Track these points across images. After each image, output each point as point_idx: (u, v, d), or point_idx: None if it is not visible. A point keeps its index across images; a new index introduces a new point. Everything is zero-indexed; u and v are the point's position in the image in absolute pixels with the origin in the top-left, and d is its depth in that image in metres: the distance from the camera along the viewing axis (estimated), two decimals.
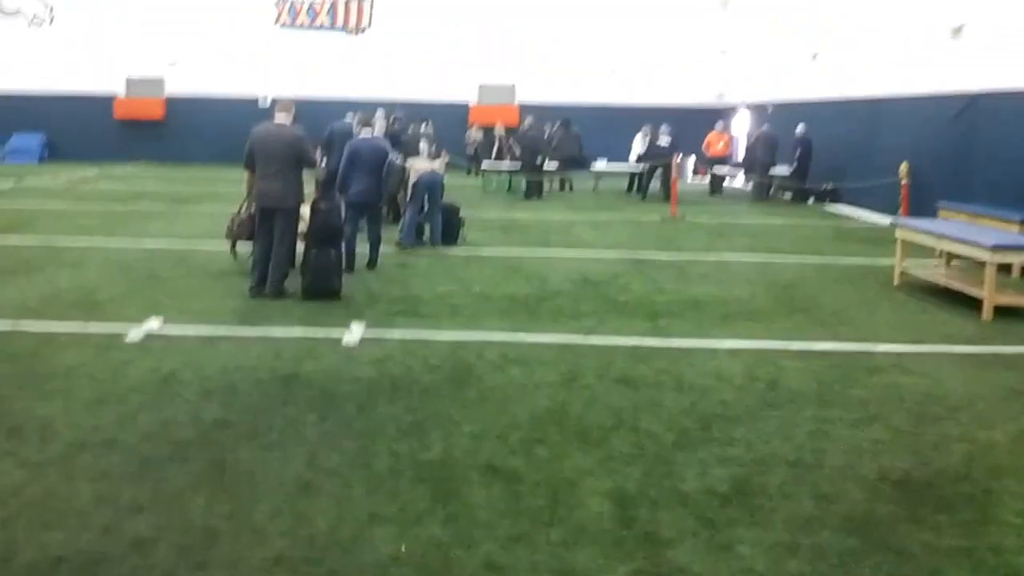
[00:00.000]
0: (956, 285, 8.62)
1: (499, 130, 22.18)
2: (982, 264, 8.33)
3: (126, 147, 26.02)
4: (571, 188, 20.57)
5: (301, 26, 26.15)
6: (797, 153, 18.13)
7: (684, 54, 25.56)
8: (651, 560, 3.58)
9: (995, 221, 10.87)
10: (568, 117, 21.09)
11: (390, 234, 11.38)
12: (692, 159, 22.91)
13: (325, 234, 8.00)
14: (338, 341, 6.65)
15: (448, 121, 23.07)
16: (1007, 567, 3.62)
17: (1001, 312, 7.96)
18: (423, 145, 13.84)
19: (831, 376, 6.12)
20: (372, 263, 9.53)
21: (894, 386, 5.94)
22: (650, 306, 8.12)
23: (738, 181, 21.83)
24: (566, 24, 25.38)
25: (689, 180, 22.98)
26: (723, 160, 20.85)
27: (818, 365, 6.37)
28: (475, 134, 23.06)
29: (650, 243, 12.22)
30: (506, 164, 20.02)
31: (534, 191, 18.07)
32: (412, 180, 10.73)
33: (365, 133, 9.58)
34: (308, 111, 16.89)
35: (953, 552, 3.73)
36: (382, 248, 9.84)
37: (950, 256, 9.60)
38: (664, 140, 18.62)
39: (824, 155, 18.01)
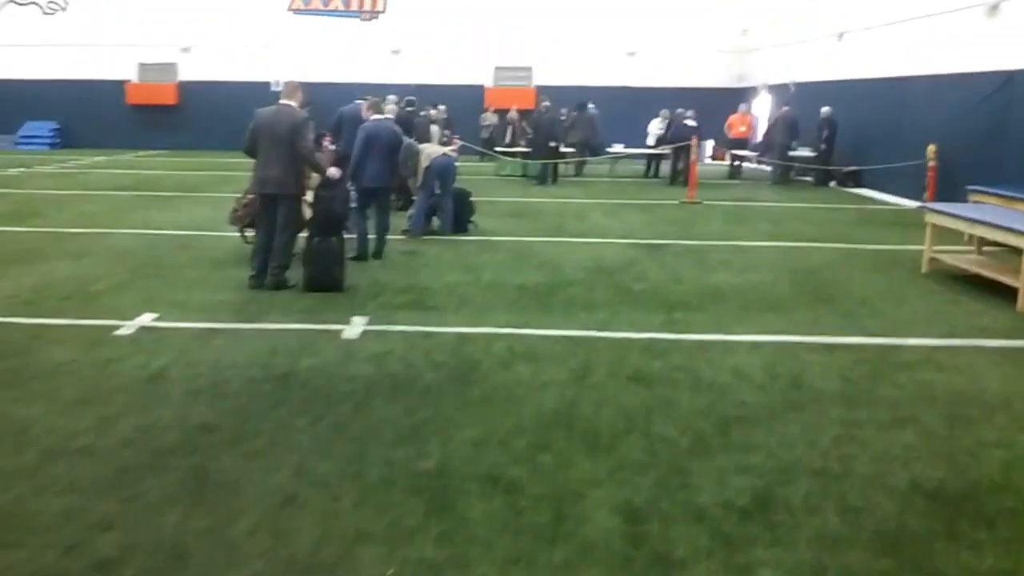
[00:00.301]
0: (989, 273, 8.20)
1: (513, 114, 21.75)
2: (1017, 251, 7.90)
3: (138, 133, 25.82)
4: (579, 172, 20.15)
5: (314, 11, 25.80)
6: (824, 135, 17.61)
7: (704, 34, 24.98)
8: None
9: None
10: (585, 99, 20.65)
11: (399, 221, 11.08)
12: (711, 142, 22.43)
13: (328, 223, 7.70)
14: (338, 335, 6.36)
15: (463, 104, 22.66)
16: None
17: None
18: (435, 129, 13.54)
19: (857, 373, 5.75)
20: (379, 252, 9.22)
21: (925, 384, 5.56)
22: (666, 296, 7.76)
23: (757, 163, 21.32)
24: (584, 4, 24.85)
25: (707, 162, 22.51)
26: (745, 142, 20.35)
27: (843, 360, 6.01)
28: (490, 117, 22.64)
29: (667, 229, 11.84)
30: (520, 148, 19.64)
31: (549, 175, 17.68)
32: (424, 165, 10.38)
33: (375, 117, 9.24)
34: (321, 96, 16.65)
35: (996, 574, 3.39)
36: (390, 236, 9.53)
37: (981, 242, 9.16)
38: (690, 121, 18.15)
39: (847, 136, 17.51)
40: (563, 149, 18.17)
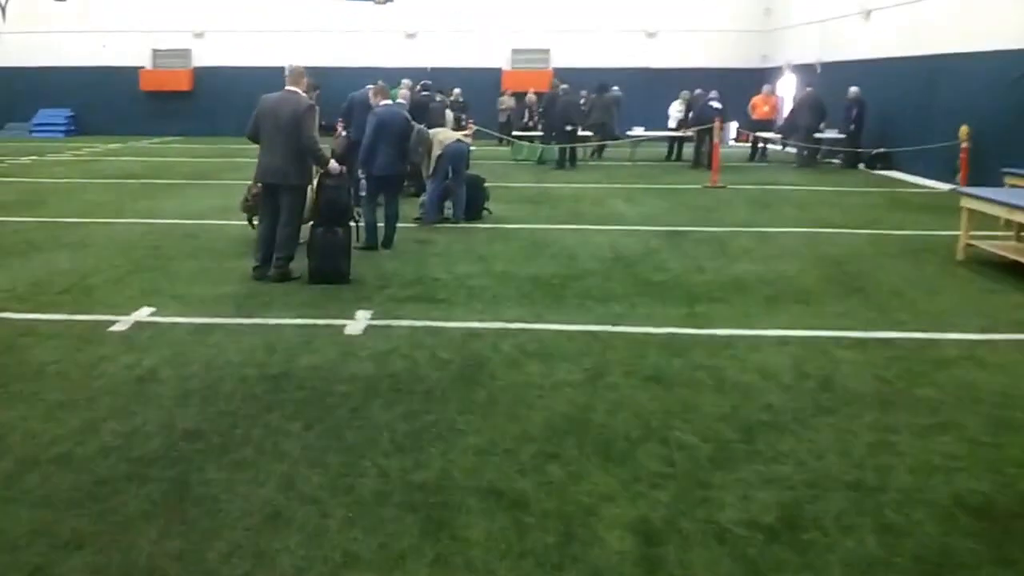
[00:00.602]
0: None
1: (530, 96, 21.32)
2: None
3: (152, 120, 25.65)
4: (599, 156, 19.75)
5: None
6: (853, 115, 17.05)
7: (725, 14, 24.37)
8: None
9: None
10: (605, 82, 20.18)
11: (411, 209, 10.76)
12: (734, 124, 21.90)
13: (332, 213, 7.38)
14: (341, 331, 6.05)
15: (480, 88, 22.28)
16: None
17: None
18: (449, 114, 13.19)
19: (893, 371, 5.36)
20: (388, 241, 8.90)
21: (966, 384, 5.17)
22: (687, 287, 7.39)
23: (782, 146, 20.77)
24: None
25: (730, 144, 22.00)
26: (769, 124, 19.81)
27: (877, 357, 5.62)
28: (507, 101, 22.22)
29: (689, 215, 11.43)
30: (537, 132, 19.22)
31: (566, 160, 17.27)
32: (436, 151, 10.03)
33: (385, 103, 8.90)
34: (336, 81, 16.33)
35: None
36: (401, 224, 9.20)
37: (1021, 228, 8.69)
38: (715, 103, 17.65)
39: (875, 118, 16.95)
40: (581, 133, 17.71)
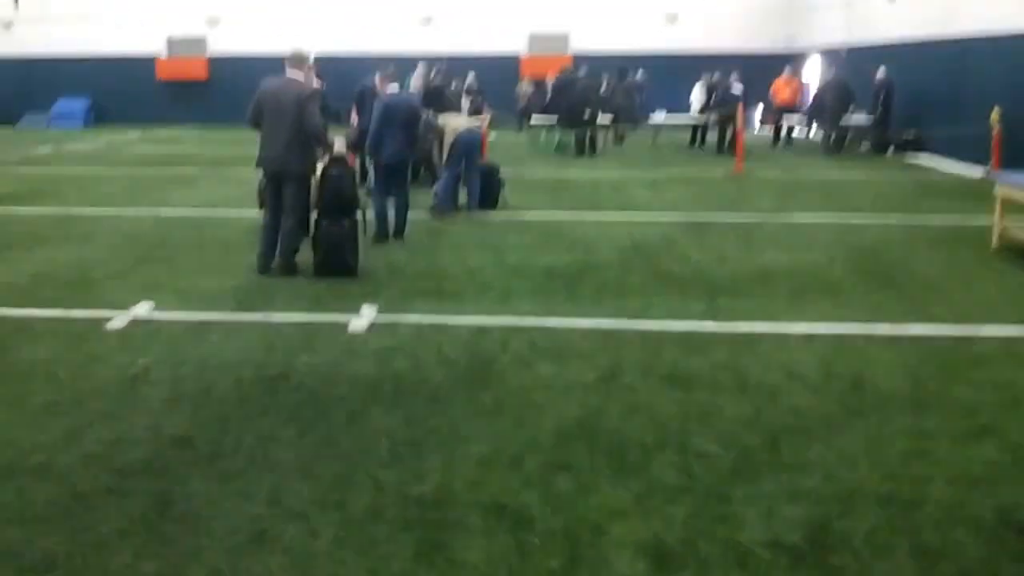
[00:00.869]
0: None
1: (550, 80, 20.91)
2: None
3: (169, 109, 25.54)
4: (621, 142, 19.38)
5: None
6: (881, 99, 16.54)
7: None
8: None
9: None
10: (625, 66, 19.77)
11: (425, 198, 10.49)
12: (759, 109, 21.41)
13: (337, 203, 7.12)
14: (344, 327, 5.79)
15: (497, 74, 21.93)
16: None
17: None
18: (464, 101, 12.88)
19: (927, 370, 5.03)
20: (399, 232, 8.63)
21: (1006, 384, 4.83)
22: (709, 279, 7.06)
23: (807, 131, 20.29)
24: None
25: (756, 131, 21.54)
26: (791, 109, 19.31)
27: (910, 355, 5.28)
28: (526, 87, 21.83)
29: (712, 203, 11.07)
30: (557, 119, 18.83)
31: (586, 147, 16.90)
32: (449, 139, 9.74)
33: (392, 89, 8.61)
34: (352, 68, 16.05)
35: None
36: (411, 215, 8.94)
37: None
38: (737, 88, 17.21)
39: (905, 101, 16.43)
40: (601, 119, 17.31)
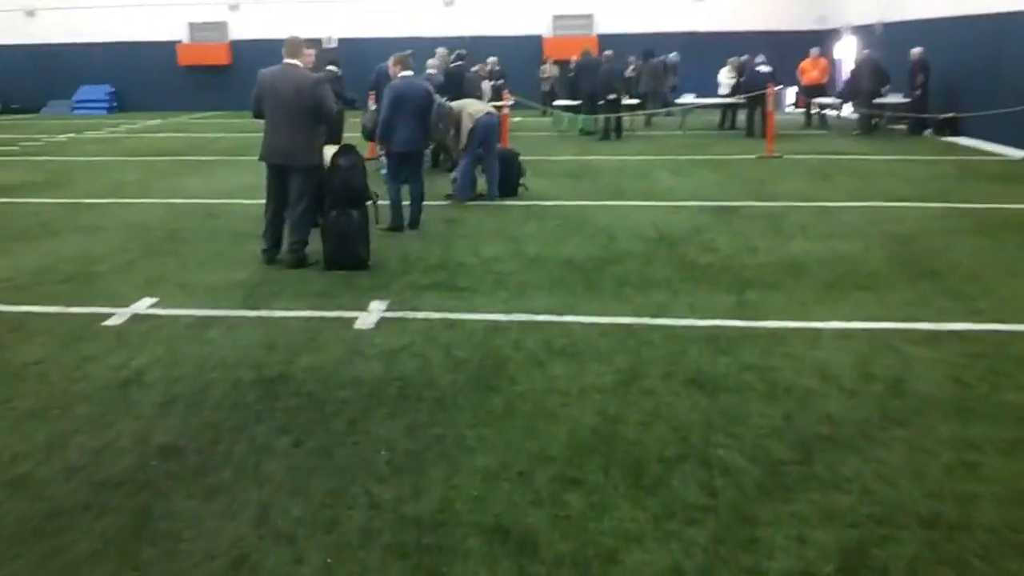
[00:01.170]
0: None
1: (574, 62, 20.49)
2: None
3: (191, 95, 25.45)
4: (648, 122, 18.96)
5: None
6: (917, 78, 15.95)
7: None
8: None
9: None
10: (651, 48, 19.29)
11: (442, 186, 10.20)
12: (792, 89, 20.84)
13: (347, 194, 6.83)
14: (350, 324, 5.52)
15: (520, 57, 21.52)
16: None
17: None
18: (486, 85, 12.54)
19: (972, 372, 4.65)
20: (414, 221, 8.34)
21: None
22: (737, 271, 6.69)
23: (843, 112, 19.69)
24: None
25: (788, 111, 21.00)
26: (820, 88, 18.71)
27: (953, 354, 4.90)
28: (550, 69, 21.38)
29: (741, 188, 10.64)
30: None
31: (611, 130, 16.49)
32: (468, 125, 9.41)
33: (404, 74, 8.30)
34: (374, 52, 15.77)
35: None
36: (429, 202, 8.65)
37: None
38: (764, 68, 16.67)
39: (942, 80, 15.81)
40: (627, 101, 16.87)
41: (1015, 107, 12.95)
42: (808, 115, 18.70)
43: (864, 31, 20.02)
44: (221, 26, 25.44)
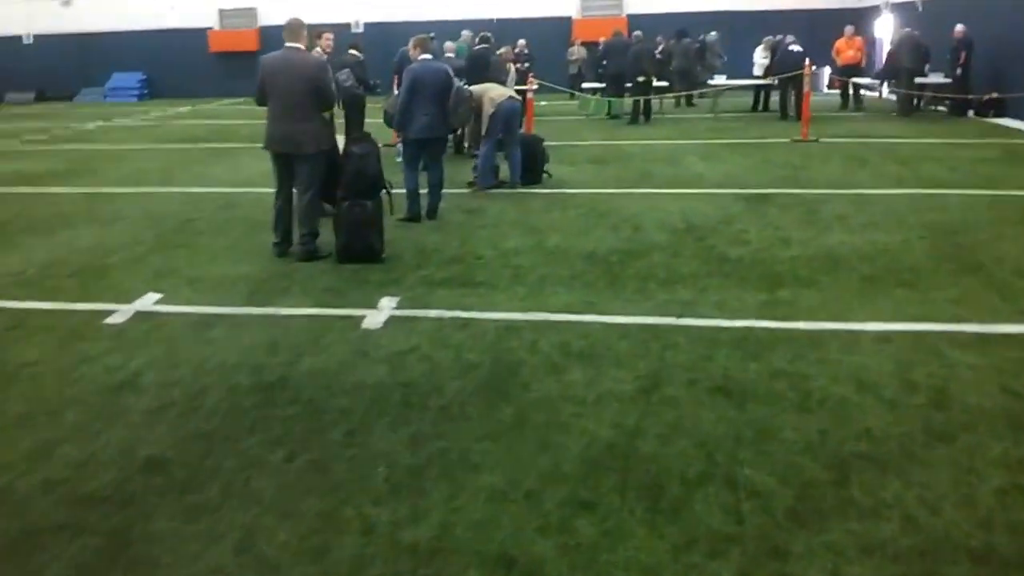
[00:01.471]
0: None
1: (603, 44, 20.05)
2: None
3: (222, 81, 25.34)
4: (689, 103, 18.53)
5: None
6: (959, 57, 15.33)
7: None
8: None
9: None
10: (684, 27, 18.78)
11: (463, 173, 9.91)
12: (826, 70, 20.24)
13: (360, 184, 6.57)
14: (358, 323, 5.26)
15: (548, 38, 21.09)
16: None
17: None
18: (511, 69, 12.20)
19: None
20: (432, 211, 8.07)
21: None
22: (769, 265, 6.33)
23: (879, 92, 19.06)
24: None
25: (824, 92, 20.41)
26: (856, 68, 18.09)
27: (1003, 359, 4.52)
28: (578, 51, 20.92)
29: (774, 174, 10.22)
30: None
31: (640, 114, 16.06)
32: (488, 110, 9.10)
33: (423, 57, 8.00)
34: (401, 37, 15.47)
35: None
36: (450, 190, 8.38)
37: None
38: (796, 47, 16.13)
39: (986, 59, 15.17)
40: (656, 83, 16.41)
41: None
42: (844, 96, 18.12)
43: (904, 8, 19.34)
44: (251, 12, 25.31)
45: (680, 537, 3.02)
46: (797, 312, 5.28)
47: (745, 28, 20.21)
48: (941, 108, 16.49)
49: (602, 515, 3.17)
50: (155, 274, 6.50)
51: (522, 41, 17.98)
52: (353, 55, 11.46)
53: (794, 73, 14.85)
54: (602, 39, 18.17)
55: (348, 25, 22.65)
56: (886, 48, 18.75)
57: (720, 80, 18.30)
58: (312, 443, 3.75)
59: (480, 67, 11.71)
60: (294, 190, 6.73)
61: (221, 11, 25.32)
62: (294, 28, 6.60)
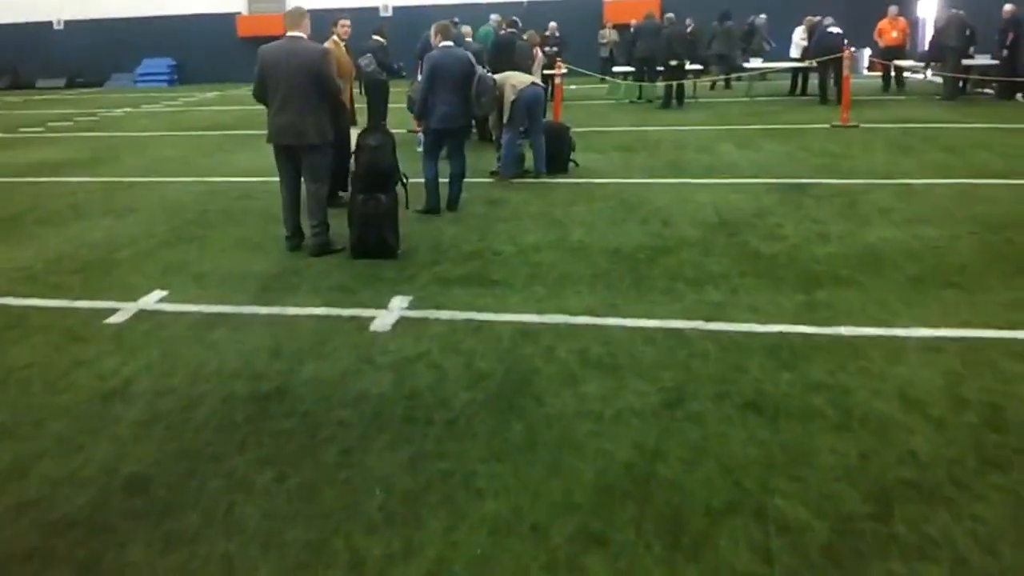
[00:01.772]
0: None
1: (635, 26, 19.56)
2: None
3: (250, 66, 24.99)
4: (727, 86, 18.05)
5: None
6: (1008, 37, 14.65)
7: None
8: None
9: None
10: (727, 8, 18.22)
11: (486, 163, 9.59)
12: (867, 52, 19.56)
13: (373, 177, 6.28)
14: (366, 325, 4.98)
15: (579, 21, 20.62)
16: None
17: None
18: (538, 54, 11.83)
19: None
20: (453, 203, 7.77)
21: None
22: (806, 263, 5.94)
23: (922, 75, 18.37)
24: None
25: (865, 74, 19.75)
26: (899, 50, 17.41)
27: None
28: (609, 34, 20.44)
29: (812, 163, 9.76)
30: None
31: (672, 98, 15.59)
32: (510, 97, 8.76)
33: (444, 44, 7.67)
34: (428, 20, 15.14)
35: None
36: (470, 180, 8.06)
37: None
38: (835, 29, 15.53)
39: None
40: (689, 67, 15.91)
41: None
42: (886, 79, 17.47)
43: None
44: None
45: None
46: (836, 316, 4.90)
47: (783, 9, 19.57)
48: (988, 91, 15.83)
49: (615, 552, 2.86)
50: (163, 269, 6.28)
51: (552, 24, 17.54)
52: (376, 40, 11.17)
53: (833, 56, 14.28)
54: (633, 21, 17.70)
55: (376, 9, 22.35)
56: (929, 29, 18.04)
57: (756, 63, 17.74)
58: (304, 463, 3.48)
59: (505, 53, 11.37)
60: (303, 182, 6.47)
61: None
62: (295, 16, 6.32)
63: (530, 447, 3.55)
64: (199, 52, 25.44)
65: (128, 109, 18.92)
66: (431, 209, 7.59)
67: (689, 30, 15.89)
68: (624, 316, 4.99)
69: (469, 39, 11.90)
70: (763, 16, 18.84)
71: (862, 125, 12.47)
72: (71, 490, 3.33)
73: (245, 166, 10.77)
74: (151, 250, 6.86)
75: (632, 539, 2.93)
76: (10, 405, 4.10)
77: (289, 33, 6.32)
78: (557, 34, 17.35)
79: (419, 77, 11.01)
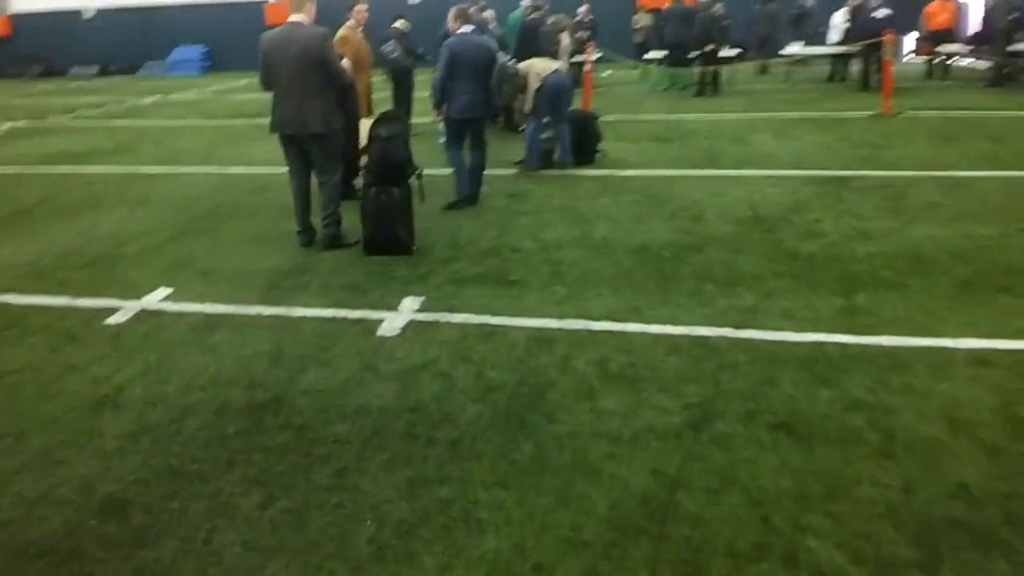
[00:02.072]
0: None
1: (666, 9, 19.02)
2: None
3: None
4: (764, 71, 17.57)
5: None
6: None
7: None
8: None
9: None
10: None
11: (512, 150, 9.28)
12: (911, 36, 18.86)
13: (386, 169, 6.00)
14: (374, 329, 4.71)
15: (612, 5, 20.14)
16: None
17: None
18: (564, 40, 11.45)
19: None
20: (473, 196, 7.47)
21: None
22: (846, 264, 5.56)
23: (968, 61, 17.65)
24: None
25: (910, 60, 19.07)
26: (948, 34, 16.72)
27: None
28: (643, 19, 19.90)
29: (852, 153, 9.30)
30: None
31: (707, 85, 15.13)
32: (534, 86, 8.42)
33: (464, 30, 7.36)
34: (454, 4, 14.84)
35: None
36: (492, 172, 7.76)
37: None
38: (881, 12, 14.92)
39: None
40: (724, 53, 15.41)
41: None
42: (931, 64, 16.82)
43: None
44: None
45: None
46: (878, 323, 4.53)
47: None
48: None
49: None
50: (170, 265, 6.07)
51: (583, 7, 17.09)
52: (397, 28, 10.89)
53: (875, 40, 13.71)
54: (666, 5, 17.21)
55: None
56: (974, 13, 17.33)
57: (796, 48, 17.16)
58: (295, 484, 3.22)
59: (529, 39, 11.00)
60: (313, 174, 6.22)
61: None
62: (298, 0, 6.04)
63: (539, 471, 3.26)
64: (231, 39, 25.33)
65: (159, 96, 18.84)
66: (464, 199, 7.31)
67: (720, 13, 15.37)
68: (647, 322, 4.66)
69: (492, 25, 11.53)
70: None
71: (905, 113, 11.94)
72: (45, 511, 3.11)
73: (264, 156, 10.51)
74: (159, 245, 6.66)
75: None
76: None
77: (291, 18, 6.06)
78: (589, 18, 16.91)
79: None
